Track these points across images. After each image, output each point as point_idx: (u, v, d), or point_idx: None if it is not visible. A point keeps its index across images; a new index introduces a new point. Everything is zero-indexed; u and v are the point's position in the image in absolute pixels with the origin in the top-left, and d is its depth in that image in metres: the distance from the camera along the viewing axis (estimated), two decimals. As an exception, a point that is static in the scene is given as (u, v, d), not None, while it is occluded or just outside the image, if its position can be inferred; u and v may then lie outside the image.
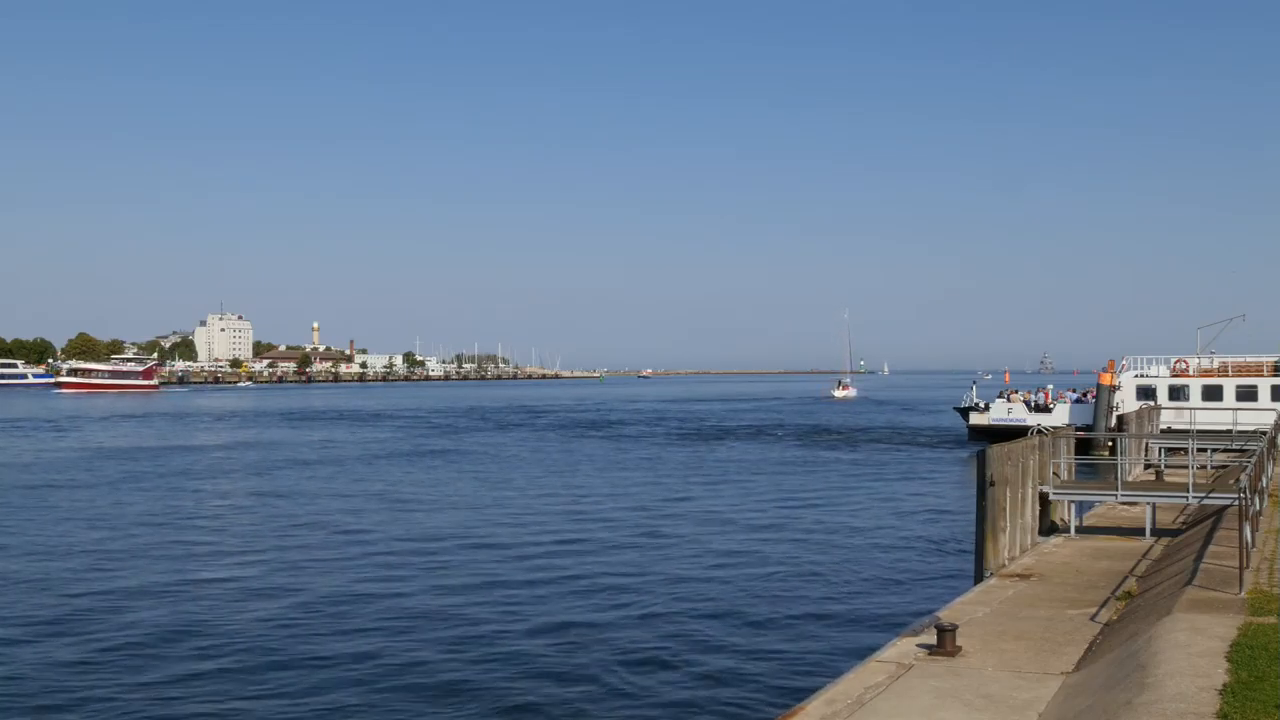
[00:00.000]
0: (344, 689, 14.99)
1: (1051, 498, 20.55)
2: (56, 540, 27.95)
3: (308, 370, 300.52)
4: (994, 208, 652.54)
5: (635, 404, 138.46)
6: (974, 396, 61.84)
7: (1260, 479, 17.61)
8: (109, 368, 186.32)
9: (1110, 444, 37.93)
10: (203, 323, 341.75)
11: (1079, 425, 49.80)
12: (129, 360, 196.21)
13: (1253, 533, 14.34)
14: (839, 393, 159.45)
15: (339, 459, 54.27)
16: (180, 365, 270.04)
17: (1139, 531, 19.97)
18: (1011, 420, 55.52)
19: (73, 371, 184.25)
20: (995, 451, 17.70)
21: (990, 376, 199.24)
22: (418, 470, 48.37)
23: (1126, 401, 50.31)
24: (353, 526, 30.79)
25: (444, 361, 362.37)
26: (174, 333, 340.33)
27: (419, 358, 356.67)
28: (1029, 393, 60.83)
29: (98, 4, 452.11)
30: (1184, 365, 51.76)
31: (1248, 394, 48.97)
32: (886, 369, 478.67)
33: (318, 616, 19.29)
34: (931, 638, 11.70)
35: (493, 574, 23.33)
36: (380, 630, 18.24)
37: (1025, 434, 25.15)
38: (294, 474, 46.68)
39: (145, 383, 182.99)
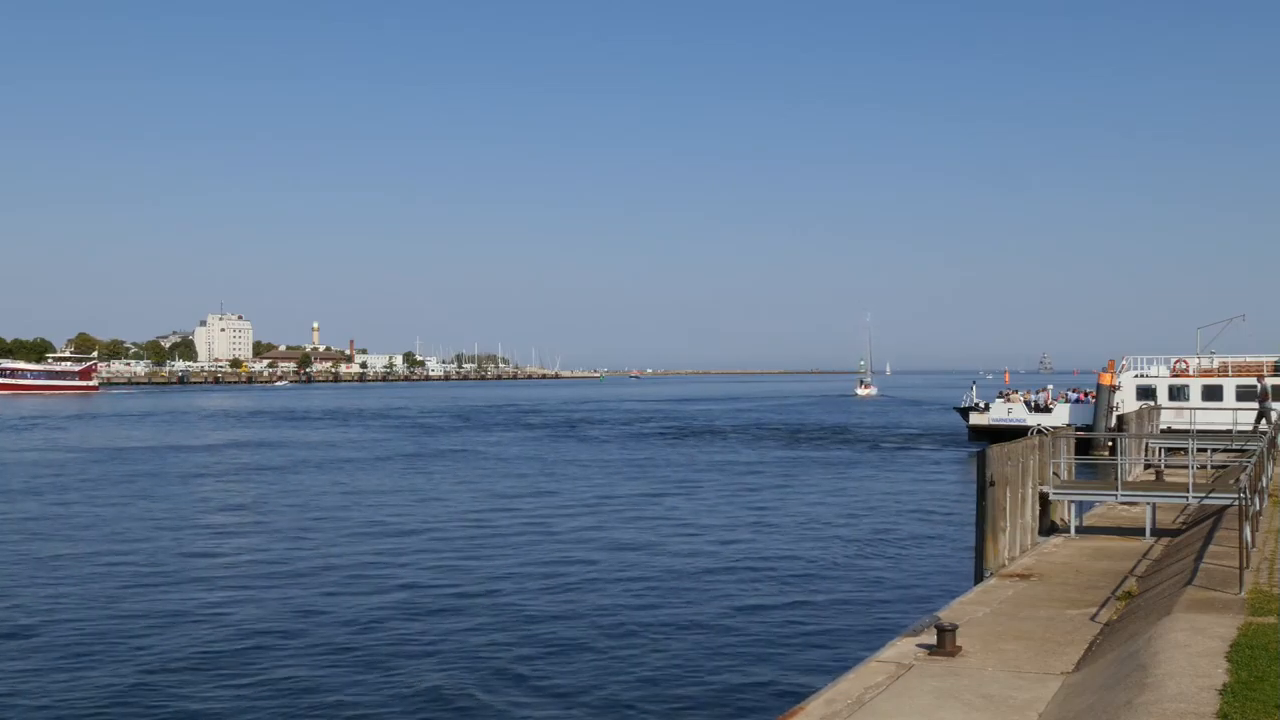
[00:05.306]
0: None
1: (1051, 498, 20.53)
2: None
3: (308, 370, 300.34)
4: (994, 208, 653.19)
5: (636, 405, 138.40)
6: (974, 396, 61.83)
7: (1260, 479, 17.59)
8: (41, 368, 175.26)
9: (1110, 444, 37.91)
10: (203, 323, 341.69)
11: (1079, 425, 49.79)
12: (64, 359, 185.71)
13: (1253, 533, 14.33)
14: (861, 391, 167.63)
15: (324, 461, 54.27)
16: (180, 365, 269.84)
17: (1139, 531, 19.95)
18: (1011, 420, 55.49)
19: (1, 372, 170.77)
20: (995, 451, 17.68)
21: (991, 376, 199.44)
22: (397, 472, 48.38)
23: (1126, 401, 50.27)
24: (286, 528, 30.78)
25: (444, 361, 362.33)
26: (174, 333, 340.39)
27: (419, 358, 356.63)
28: (1029, 393, 60.81)
29: (98, 4, 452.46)
30: (1184, 365, 51.72)
31: (1248, 394, 48.93)
32: (889, 369, 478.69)
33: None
34: (931, 638, 11.69)
35: (476, 574, 23.34)
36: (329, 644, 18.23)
37: (1025, 434, 25.14)
38: (257, 479, 46.66)
39: (83, 384, 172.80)
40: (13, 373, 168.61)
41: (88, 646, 17.13)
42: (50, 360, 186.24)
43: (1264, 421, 40.30)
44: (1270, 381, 47.38)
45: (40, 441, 65.05)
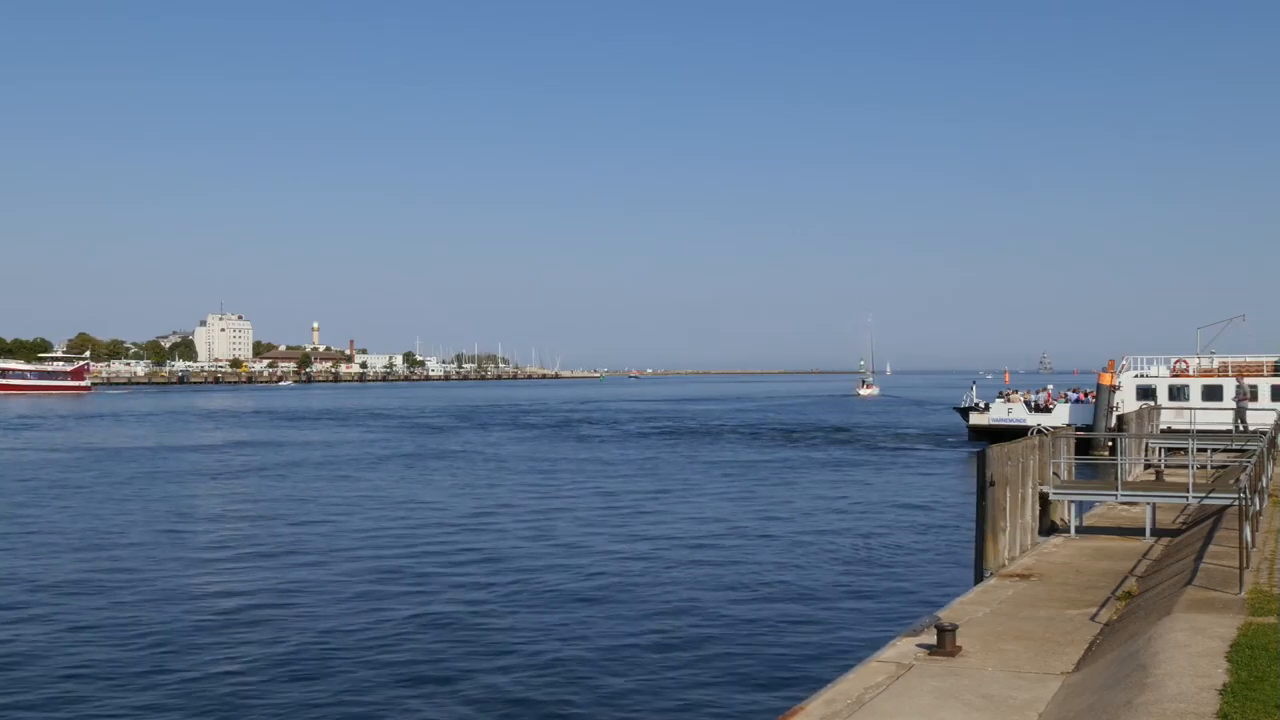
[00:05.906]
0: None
1: (1051, 498, 20.53)
2: None
3: (308, 370, 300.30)
4: (994, 208, 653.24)
5: (636, 405, 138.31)
6: (974, 396, 61.83)
7: (1260, 479, 17.59)
8: (32, 368, 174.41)
9: (1110, 444, 37.90)
10: (203, 323, 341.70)
11: (1079, 425, 49.78)
12: (56, 360, 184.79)
13: (1253, 533, 14.33)
14: (864, 391, 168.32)
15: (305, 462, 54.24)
16: (180, 365, 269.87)
17: (1139, 531, 19.95)
18: (1011, 420, 55.48)
19: None
20: (995, 451, 17.68)
21: (991, 376, 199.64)
22: (396, 473, 48.38)
23: (1126, 401, 50.26)
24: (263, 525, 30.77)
25: (444, 361, 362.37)
26: (174, 333, 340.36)
27: (419, 358, 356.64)
28: (1029, 393, 60.80)
29: (98, 4, 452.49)
30: (1184, 365, 51.73)
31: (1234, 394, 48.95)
32: (889, 369, 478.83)
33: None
34: (931, 638, 11.69)
35: (473, 576, 23.32)
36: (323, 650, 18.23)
37: (1025, 434, 25.13)
38: (230, 480, 46.63)
39: (75, 384, 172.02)
40: (4, 373, 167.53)
41: (84, 652, 17.14)
42: (43, 360, 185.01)
43: (1241, 422, 40.64)
44: (1249, 382, 47.42)
45: (17, 442, 65.04)
